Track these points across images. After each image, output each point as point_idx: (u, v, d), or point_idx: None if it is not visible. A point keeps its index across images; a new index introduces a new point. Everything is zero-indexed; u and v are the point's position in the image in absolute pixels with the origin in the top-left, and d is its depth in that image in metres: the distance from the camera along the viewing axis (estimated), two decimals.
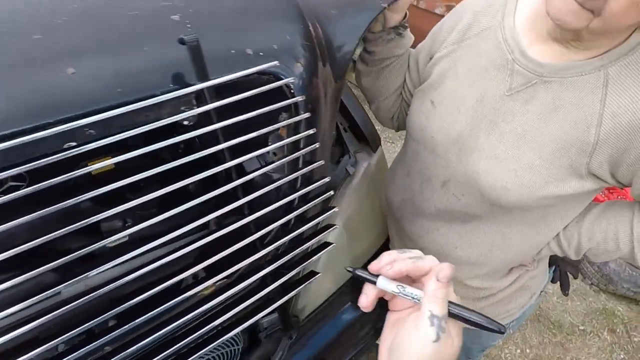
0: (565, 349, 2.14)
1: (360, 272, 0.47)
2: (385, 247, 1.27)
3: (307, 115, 0.60)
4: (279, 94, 0.59)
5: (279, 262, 0.63)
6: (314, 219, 0.64)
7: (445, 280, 0.42)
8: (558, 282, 1.15)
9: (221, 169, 0.54)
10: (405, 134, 1.00)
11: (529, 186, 0.77)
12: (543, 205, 0.81)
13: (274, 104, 0.57)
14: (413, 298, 0.44)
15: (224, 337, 0.66)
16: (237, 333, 0.89)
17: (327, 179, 0.64)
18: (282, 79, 0.57)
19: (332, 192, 0.66)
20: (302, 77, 0.59)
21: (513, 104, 0.77)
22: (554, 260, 1.08)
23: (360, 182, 1.20)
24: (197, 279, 0.66)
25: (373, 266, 0.46)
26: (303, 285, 0.72)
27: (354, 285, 1.29)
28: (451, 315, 0.43)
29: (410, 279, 0.47)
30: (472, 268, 0.96)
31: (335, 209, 0.66)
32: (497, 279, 0.98)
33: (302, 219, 0.65)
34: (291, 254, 0.64)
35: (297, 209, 0.62)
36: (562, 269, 1.12)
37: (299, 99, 0.58)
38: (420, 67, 0.92)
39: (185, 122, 0.55)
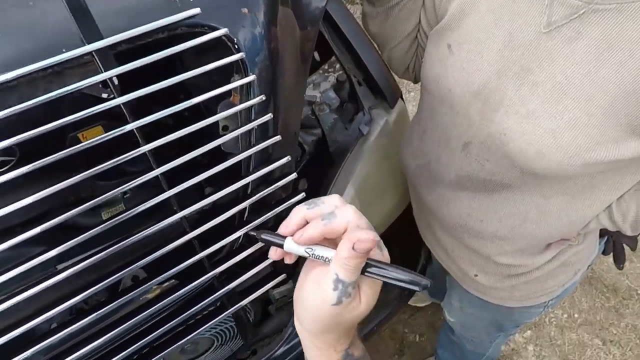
0: (620, 314, 1.95)
1: (265, 236, 0.43)
2: (409, 213, 1.14)
3: (252, 77, 0.46)
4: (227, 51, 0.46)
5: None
6: (278, 206, 0.52)
7: (362, 252, 0.36)
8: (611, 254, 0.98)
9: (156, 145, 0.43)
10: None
11: (572, 150, 0.61)
12: (590, 173, 0.65)
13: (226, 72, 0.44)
14: (324, 260, 0.39)
15: (230, 310, 0.57)
16: (248, 305, 0.83)
17: (286, 159, 0.51)
18: (219, 30, 0.44)
19: (294, 175, 0.53)
20: (252, 26, 0.46)
21: (552, 44, 0.59)
22: (606, 231, 0.91)
23: (376, 143, 1.06)
24: None
25: (282, 230, 0.42)
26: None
27: None
28: (369, 274, 0.38)
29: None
30: (501, 244, 0.82)
31: (301, 195, 0.54)
32: (531, 255, 0.84)
33: (264, 206, 0.53)
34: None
35: (253, 196, 0.51)
36: (616, 241, 0.95)
37: (241, 54, 0.45)
38: (436, 1, 0.74)
39: (104, 95, 0.44)
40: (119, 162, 0.44)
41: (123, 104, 0.43)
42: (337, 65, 1.15)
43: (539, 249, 0.83)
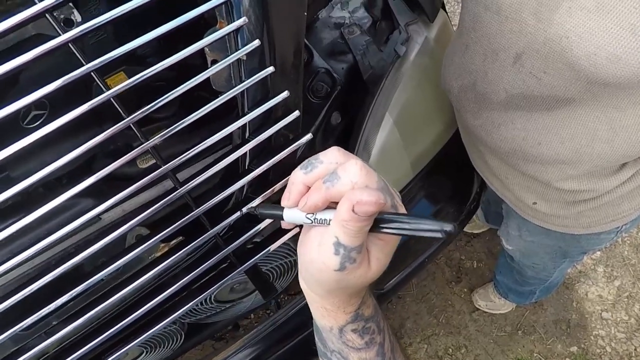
0: None
1: (263, 210, 0.40)
2: (458, 137, 1.03)
3: None
4: None
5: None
6: (282, 150, 0.46)
7: (364, 216, 0.31)
8: None
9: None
10: None
11: None
12: None
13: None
14: (329, 224, 0.34)
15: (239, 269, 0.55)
16: (290, 244, 0.82)
17: (284, 94, 0.43)
18: None
19: (297, 113, 0.45)
20: None
21: None
22: None
23: (415, 64, 0.95)
24: None
25: (284, 203, 0.37)
26: None
27: (422, 182, 1.13)
28: (381, 231, 0.33)
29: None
30: (564, 168, 0.72)
31: (308, 136, 0.46)
32: (602, 178, 0.73)
33: (266, 152, 0.47)
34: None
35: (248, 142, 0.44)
36: None
37: None
38: None
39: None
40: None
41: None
42: None
43: (611, 171, 0.72)
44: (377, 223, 0.33)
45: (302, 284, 0.39)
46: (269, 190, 0.46)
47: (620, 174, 0.72)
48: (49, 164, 0.42)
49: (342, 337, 0.39)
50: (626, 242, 1.78)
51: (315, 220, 0.35)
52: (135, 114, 0.41)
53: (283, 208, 0.37)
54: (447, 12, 1.04)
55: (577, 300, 1.69)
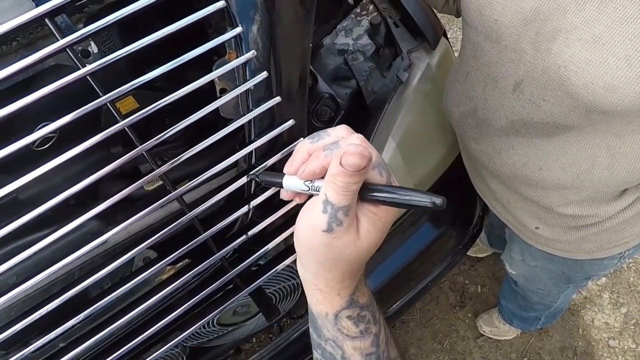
0: None
1: (264, 177, 0.42)
2: (459, 163, 1.04)
3: (238, 29, 0.40)
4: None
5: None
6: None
7: (350, 168, 0.32)
8: None
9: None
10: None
11: None
12: None
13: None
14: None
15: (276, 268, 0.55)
16: (293, 267, 0.82)
17: (290, 122, 0.44)
18: None
19: (302, 139, 0.47)
20: None
21: None
22: None
23: (418, 90, 0.97)
24: None
25: (287, 169, 0.38)
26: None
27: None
28: (370, 198, 0.34)
29: None
30: (565, 193, 0.72)
31: None
32: (603, 203, 0.73)
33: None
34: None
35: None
36: None
37: (222, 3, 0.38)
38: None
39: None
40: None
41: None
42: (371, 7, 1.04)
43: (612, 196, 0.72)
44: (369, 192, 0.34)
45: (299, 267, 0.40)
46: (274, 214, 0.47)
47: (622, 200, 0.73)
48: (58, 187, 0.43)
49: (337, 324, 0.39)
50: (632, 268, 1.76)
51: (312, 187, 0.36)
52: (148, 142, 0.42)
53: (284, 176, 0.38)
54: (448, 39, 1.06)
55: (583, 327, 1.66)
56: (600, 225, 0.77)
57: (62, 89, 0.49)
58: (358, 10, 1.05)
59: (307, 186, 0.36)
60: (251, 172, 0.42)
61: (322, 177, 0.35)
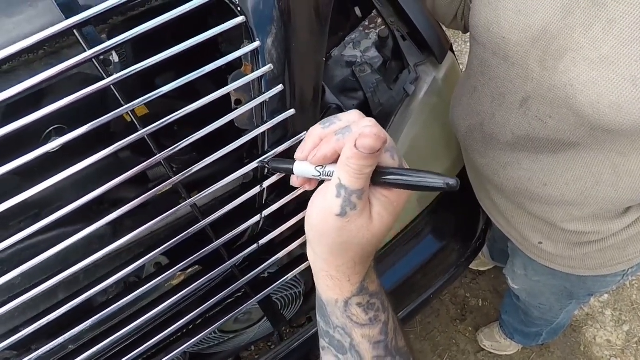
0: None
1: (274, 163, 0.42)
2: (464, 174, 1.05)
3: (256, 43, 0.41)
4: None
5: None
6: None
7: (365, 151, 0.31)
8: None
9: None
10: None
11: None
12: None
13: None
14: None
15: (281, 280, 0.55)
16: (297, 276, 0.83)
17: (303, 134, 0.45)
18: None
19: None
20: None
21: None
22: None
23: (424, 103, 0.98)
24: None
25: (298, 154, 0.38)
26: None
27: (428, 218, 1.14)
28: (383, 181, 0.34)
29: None
30: (569, 209, 0.73)
31: None
32: (607, 221, 0.74)
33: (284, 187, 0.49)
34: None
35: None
36: None
37: (242, 18, 0.40)
38: None
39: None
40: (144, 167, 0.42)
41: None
42: (379, 20, 1.05)
43: (616, 214, 0.73)
44: (381, 175, 0.34)
45: (310, 253, 0.39)
46: (285, 224, 0.48)
47: (626, 218, 0.73)
48: (65, 189, 0.43)
49: (346, 311, 0.39)
50: (634, 285, 1.76)
51: (324, 173, 0.35)
52: (166, 151, 0.43)
53: (294, 162, 0.38)
54: (454, 53, 1.08)
55: (585, 344, 1.65)
56: (604, 242, 0.78)
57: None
58: (366, 24, 1.07)
59: (319, 171, 0.36)
60: (262, 159, 0.42)
61: (334, 163, 0.35)
